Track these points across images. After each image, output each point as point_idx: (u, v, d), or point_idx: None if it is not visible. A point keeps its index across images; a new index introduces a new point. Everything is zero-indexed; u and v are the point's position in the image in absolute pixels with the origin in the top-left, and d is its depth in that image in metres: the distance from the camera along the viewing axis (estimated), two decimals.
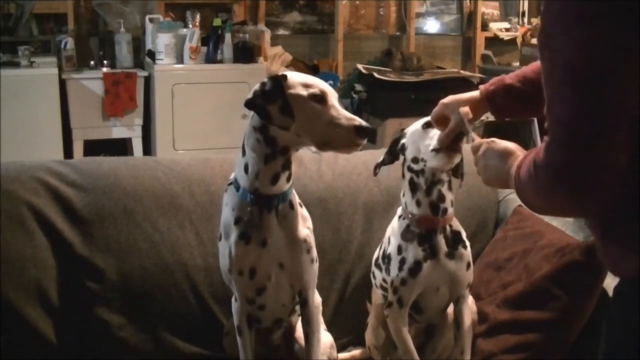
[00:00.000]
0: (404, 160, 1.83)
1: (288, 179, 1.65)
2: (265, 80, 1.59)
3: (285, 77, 1.58)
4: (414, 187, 1.80)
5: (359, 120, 1.55)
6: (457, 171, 1.82)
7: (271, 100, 1.54)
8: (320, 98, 1.56)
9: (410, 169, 1.81)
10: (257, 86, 1.59)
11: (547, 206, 1.19)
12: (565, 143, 1.05)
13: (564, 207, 1.15)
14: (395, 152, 1.85)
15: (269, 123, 1.56)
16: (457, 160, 1.74)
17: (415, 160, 1.79)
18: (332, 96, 1.58)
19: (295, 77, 1.60)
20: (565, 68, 1.04)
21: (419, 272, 1.78)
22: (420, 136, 1.78)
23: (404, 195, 1.85)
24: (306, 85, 1.57)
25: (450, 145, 1.68)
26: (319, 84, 1.59)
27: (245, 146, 1.64)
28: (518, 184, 1.21)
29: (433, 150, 1.72)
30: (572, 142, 1.04)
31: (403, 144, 1.82)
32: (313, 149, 1.76)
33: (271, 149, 1.60)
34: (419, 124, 1.80)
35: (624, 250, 1.14)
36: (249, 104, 1.57)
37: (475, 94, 1.67)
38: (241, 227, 1.65)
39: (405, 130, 1.84)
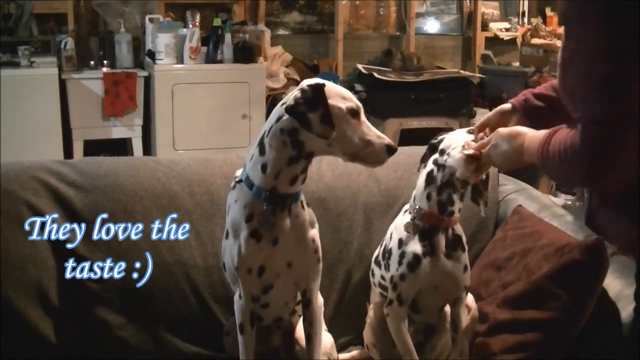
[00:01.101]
0: (436, 150, 1.84)
1: (303, 181, 1.66)
2: (305, 87, 1.58)
3: (324, 85, 1.58)
4: (429, 179, 1.81)
5: (387, 140, 1.61)
6: (478, 196, 1.84)
7: (313, 108, 1.54)
8: (356, 113, 1.59)
9: (434, 161, 1.82)
10: (296, 93, 1.57)
11: (576, 181, 1.37)
12: (600, 120, 1.21)
13: (592, 181, 1.29)
14: (435, 145, 1.85)
15: (309, 131, 1.55)
16: (472, 176, 1.74)
17: (442, 152, 1.81)
18: (362, 111, 1.62)
19: (332, 88, 1.61)
20: (596, 46, 1.20)
21: (417, 266, 1.79)
22: (458, 137, 1.81)
23: (416, 189, 1.86)
24: (344, 98, 1.60)
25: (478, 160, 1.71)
26: (354, 98, 1.62)
27: (266, 146, 1.61)
28: (545, 160, 1.36)
29: (462, 152, 1.74)
30: (606, 119, 1.20)
31: (442, 139, 1.84)
32: None
33: (297, 152, 1.59)
34: (465, 129, 1.86)
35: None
36: (290, 111, 1.56)
37: (507, 105, 1.81)
38: (253, 225, 1.64)
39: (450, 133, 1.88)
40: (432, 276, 1.80)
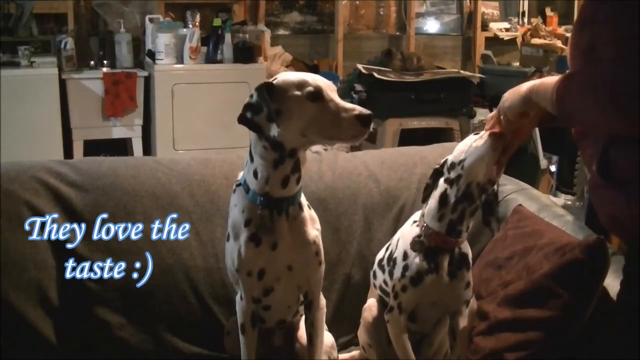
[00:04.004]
0: (443, 173, 1.81)
1: (298, 181, 1.64)
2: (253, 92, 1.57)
3: (270, 85, 1.56)
4: (443, 199, 1.78)
5: (358, 109, 1.52)
6: (489, 214, 1.82)
7: (257, 112, 1.54)
8: (317, 95, 1.54)
9: (446, 180, 1.78)
10: (247, 99, 1.58)
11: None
12: None
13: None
14: (439, 170, 1.82)
15: (262, 134, 1.55)
16: (494, 169, 1.72)
17: (452, 166, 1.77)
18: (328, 89, 1.56)
19: (287, 79, 1.57)
20: None
21: (419, 282, 1.79)
22: (466, 142, 1.77)
23: (427, 205, 1.83)
24: (300, 85, 1.55)
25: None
26: (312, 81, 1.56)
27: (252, 153, 1.62)
28: (568, 85, 1.36)
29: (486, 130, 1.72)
30: None
31: (446, 160, 1.80)
32: (313, 148, 1.73)
33: (279, 153, 1.58)
34: (470, 135, 1.82)
35: None
36: (240, 121, 1.56)
37: None
38: (252, 228, 1.64)
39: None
40: (433, 292, 1.81)
